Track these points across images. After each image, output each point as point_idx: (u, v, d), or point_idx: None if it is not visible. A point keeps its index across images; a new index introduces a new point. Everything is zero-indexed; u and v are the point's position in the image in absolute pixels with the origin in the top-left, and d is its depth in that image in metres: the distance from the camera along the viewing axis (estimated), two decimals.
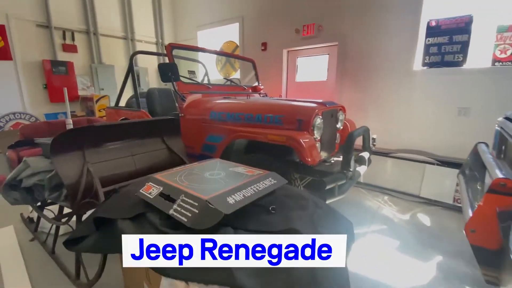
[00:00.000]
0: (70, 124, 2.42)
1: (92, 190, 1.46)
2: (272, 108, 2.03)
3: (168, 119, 1.91)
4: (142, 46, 5.10)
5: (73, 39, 4.12)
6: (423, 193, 2.88)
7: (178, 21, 5.53)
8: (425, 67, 2.90)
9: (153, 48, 5.32)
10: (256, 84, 3.43)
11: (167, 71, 2.18)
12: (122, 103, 3.41)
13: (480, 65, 2.66)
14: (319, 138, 1.91)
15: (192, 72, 2.67)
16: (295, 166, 1.85)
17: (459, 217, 2.51)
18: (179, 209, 0.88)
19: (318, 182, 1.67)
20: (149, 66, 5.19)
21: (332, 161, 2.13)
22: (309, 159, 1.61)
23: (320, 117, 1.90)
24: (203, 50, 3.33)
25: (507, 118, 1.61)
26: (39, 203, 1.90)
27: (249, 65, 3.50)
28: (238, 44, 4.61)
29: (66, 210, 1.75)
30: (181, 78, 2.46)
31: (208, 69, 3.61)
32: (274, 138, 1.75)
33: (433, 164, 2.81)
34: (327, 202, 1.63)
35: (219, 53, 4.45)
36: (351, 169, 1.67)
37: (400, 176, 3.05)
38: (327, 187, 1.58)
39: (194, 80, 2.70)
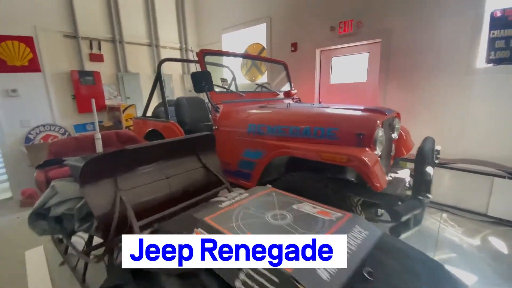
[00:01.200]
0: (99, 139, 2.28)
1: (125, 223, 1.27)
2: (322, 119, 1.74)
3: (203, 135, 1.70)
4: (166, 52, 5.00)
5: (99, 48, 4.09)
6: (491, 211, 2.46)
7: (201, 24, 5.39)
8: (490, 64, 2.48)
9: (177, 54, 5.21)
10: (289, 88, 3.17)
11: (201, 80, 1.98)
12: (149, 112, 3.28)
13: None
14: (380, 154, 1.61)
15: (224, 80, 2.46)
16: (353, 188, 1.56)
17: None
18: (249, 282, 0.64)
19: (388, 211, 1.37)
20: (173, 72, 5.09)
21: (390, 178, 1.82)
22: (378, 184, 1.32)
23: (382, 129, 1.60)
24: (236, 55, 3.11)
25: None
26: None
27: (277, 68, 3.24)
28: (264, 46, 4.36)
29: (96, 239, 1.59)
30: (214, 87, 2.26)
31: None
32: (330, 157, 1.46)
33: (503, 177, 2.39)
34: (402, 236, 1.33)
35: (254, 57, 4.20)
36: (430, 195, 1.36)
37: (462, 191, 2.64)
38: (403, 219, 1.28)
39: (227, 89, 2.48)
